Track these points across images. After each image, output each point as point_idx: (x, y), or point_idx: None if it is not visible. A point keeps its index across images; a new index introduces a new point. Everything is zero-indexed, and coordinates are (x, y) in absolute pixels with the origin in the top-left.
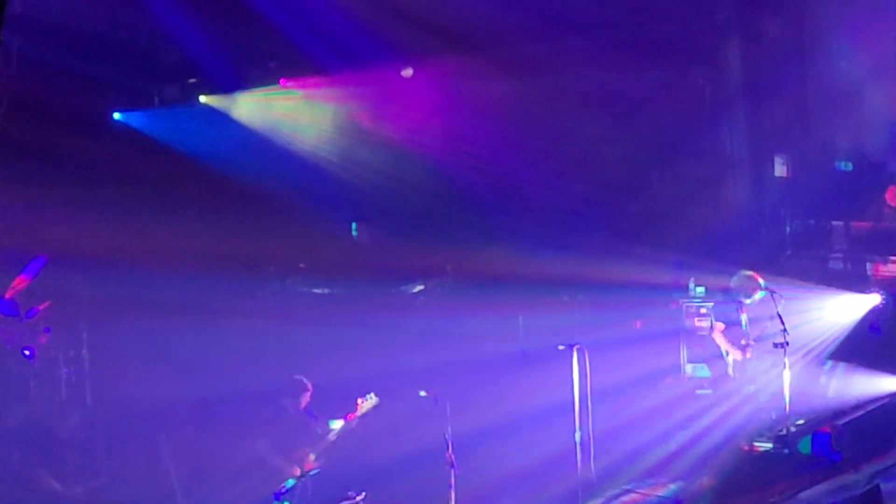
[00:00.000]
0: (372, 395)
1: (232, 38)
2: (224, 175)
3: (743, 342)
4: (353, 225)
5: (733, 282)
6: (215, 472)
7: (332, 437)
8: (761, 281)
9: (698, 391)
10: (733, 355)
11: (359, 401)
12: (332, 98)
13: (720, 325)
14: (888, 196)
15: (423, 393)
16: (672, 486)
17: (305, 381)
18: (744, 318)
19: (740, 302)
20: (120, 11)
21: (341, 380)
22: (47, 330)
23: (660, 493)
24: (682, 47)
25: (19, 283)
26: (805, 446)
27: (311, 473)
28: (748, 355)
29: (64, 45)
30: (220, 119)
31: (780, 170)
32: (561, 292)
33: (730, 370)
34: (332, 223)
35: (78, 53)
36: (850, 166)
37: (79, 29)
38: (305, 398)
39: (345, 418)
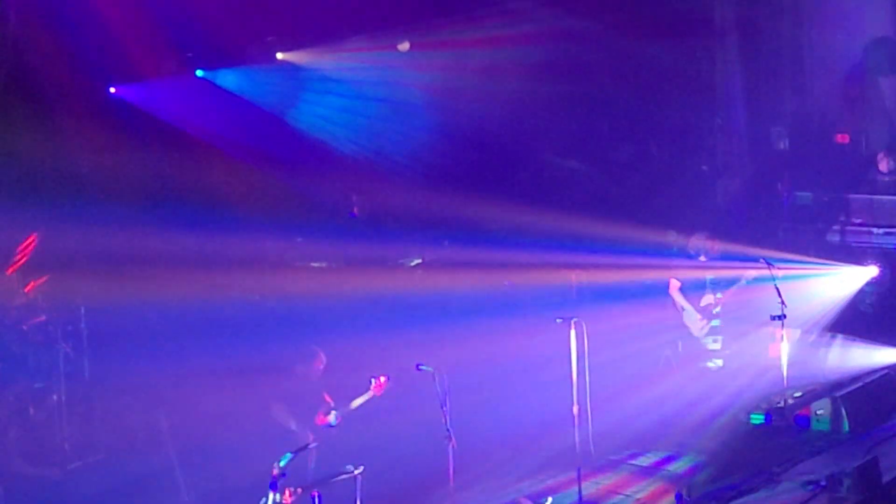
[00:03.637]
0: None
1: (229, 11)
2: (221, 148)
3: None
4: None
5: (692, 242)
6: (218, 447)
7: (352, 405)
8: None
9: (708, 363)
10: (695, 315)
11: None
12: (330, 71)
13: (676, 283)
14: (880, 164)
15: (420, 366)
16: (669, 459)
17: (320, 350)
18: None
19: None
20: None
21: (338, 353)
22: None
23: (658, 466)
24: (680, 20)
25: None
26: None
27: (310, 446)
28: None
29: (60, 20)
30: (217, 92)
31: (778, 143)
32: (559, 265)
33: (695, 331)
34: (330, 197)
35: (74, 27)
36: (847, 139)
37: (74, 3)
38: (319, 367)
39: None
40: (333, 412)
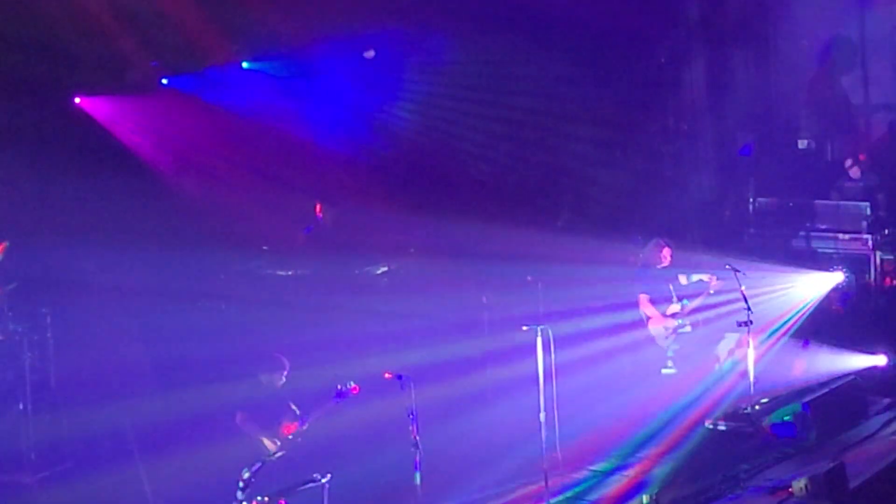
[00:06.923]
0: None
1: (193, 19)
2: (187, 157)
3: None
4: None
5: (644, 251)
6: (185, 455)
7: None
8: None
9: (663, 370)
10: (661, 323)
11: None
12: (296, 79)
13: (644, 296)
14: (850, 171)
15: (387, 374)
16: (636, 466)
17: (283, 359)
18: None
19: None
20: None
21: (305, 361)
22: None
23: (624, 471)
24: (646, 26)
25: None
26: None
27: (275, 456)
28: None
29: (23, 29)
30: (183, 101)
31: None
32: (526, 272)
33: (660, 340)
34: (296, 204)
35: (38, 37)
36: (812, 144)
37: (37, 12)
38: (283, 375)
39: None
40: (298, 421)
